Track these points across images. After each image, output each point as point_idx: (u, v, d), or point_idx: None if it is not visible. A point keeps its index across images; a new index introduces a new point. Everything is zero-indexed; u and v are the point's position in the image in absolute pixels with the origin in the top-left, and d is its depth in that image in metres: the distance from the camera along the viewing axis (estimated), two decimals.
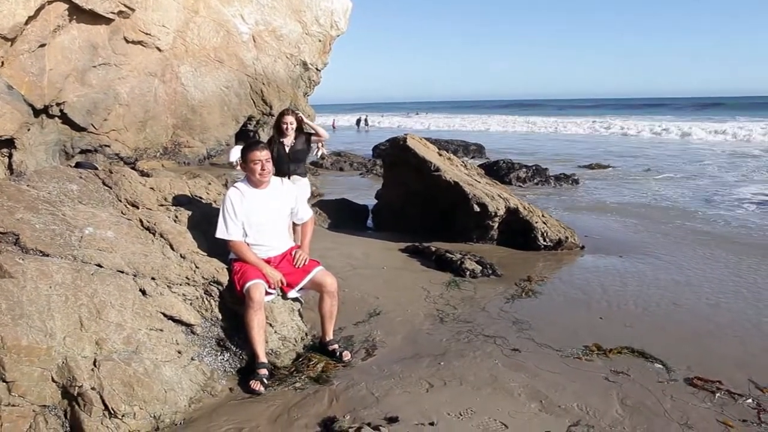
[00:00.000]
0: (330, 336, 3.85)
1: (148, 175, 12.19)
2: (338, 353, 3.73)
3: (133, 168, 13.35)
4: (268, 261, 3.65)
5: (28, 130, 12.17)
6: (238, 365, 3.48)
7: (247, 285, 3.34)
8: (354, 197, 10.06)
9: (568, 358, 3.81)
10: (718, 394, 3.33)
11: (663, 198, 10.95)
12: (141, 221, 3.74)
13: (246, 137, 16.41)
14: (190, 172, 12.37)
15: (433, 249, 6.20)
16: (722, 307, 4.84)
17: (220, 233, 3.57)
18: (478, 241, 6.90)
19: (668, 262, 6.27)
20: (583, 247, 6.80)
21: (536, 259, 6.42)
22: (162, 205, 4.05)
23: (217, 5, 15.68)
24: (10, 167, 12.22)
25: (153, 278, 3.31)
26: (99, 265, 3.14)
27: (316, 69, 18.57)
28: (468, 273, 5.60)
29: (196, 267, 3.51)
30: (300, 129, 5.74)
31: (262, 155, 3.59)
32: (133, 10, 13.46)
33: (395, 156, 7.87)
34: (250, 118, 16.90)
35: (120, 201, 3.92)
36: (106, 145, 13.72)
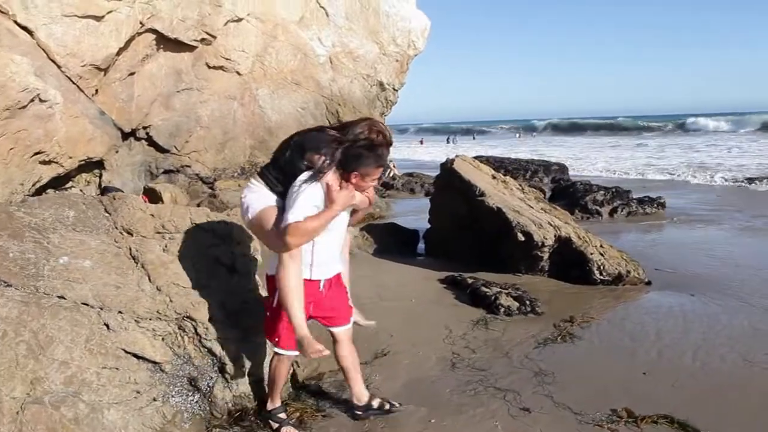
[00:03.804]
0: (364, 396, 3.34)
1: (215, 196, 12.44)
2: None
3: (211, 187, 14.03)
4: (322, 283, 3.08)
5: (117, 152, 13.08)
6: (208, 408, 3.25)
7: (282, 352, 3.04)
8: (413, 220, 9.70)
9: (587, 425, 3.20)
10: None
11: None
12: (130, 249, 3.65)
13: None
14: None
15: (470, 281, 5.69)
16: None
17: (293, 217, 2.69)
18: (527, 272, 6.28)
19: (753, 304, 5.29)
20: (649, 283, 5.96)
21: (590, 296, 5.69)
22: (159, 233, 3.94)
23: (296, 29, 16.08)
24: (100, 186, 13.22)
25: (120, 312, 3.18)
26: (62, 297, 3.05)
27: (393, 89, 18.49)
28: (502, 310, 5.05)
29: (171, 300, 3.34)
30: None
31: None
32: (214, 37, 14.12)
33: (444, 179, 7.44)
34: None
35: (116, 228, 3.86)
36: (187, 166, 14.40)
